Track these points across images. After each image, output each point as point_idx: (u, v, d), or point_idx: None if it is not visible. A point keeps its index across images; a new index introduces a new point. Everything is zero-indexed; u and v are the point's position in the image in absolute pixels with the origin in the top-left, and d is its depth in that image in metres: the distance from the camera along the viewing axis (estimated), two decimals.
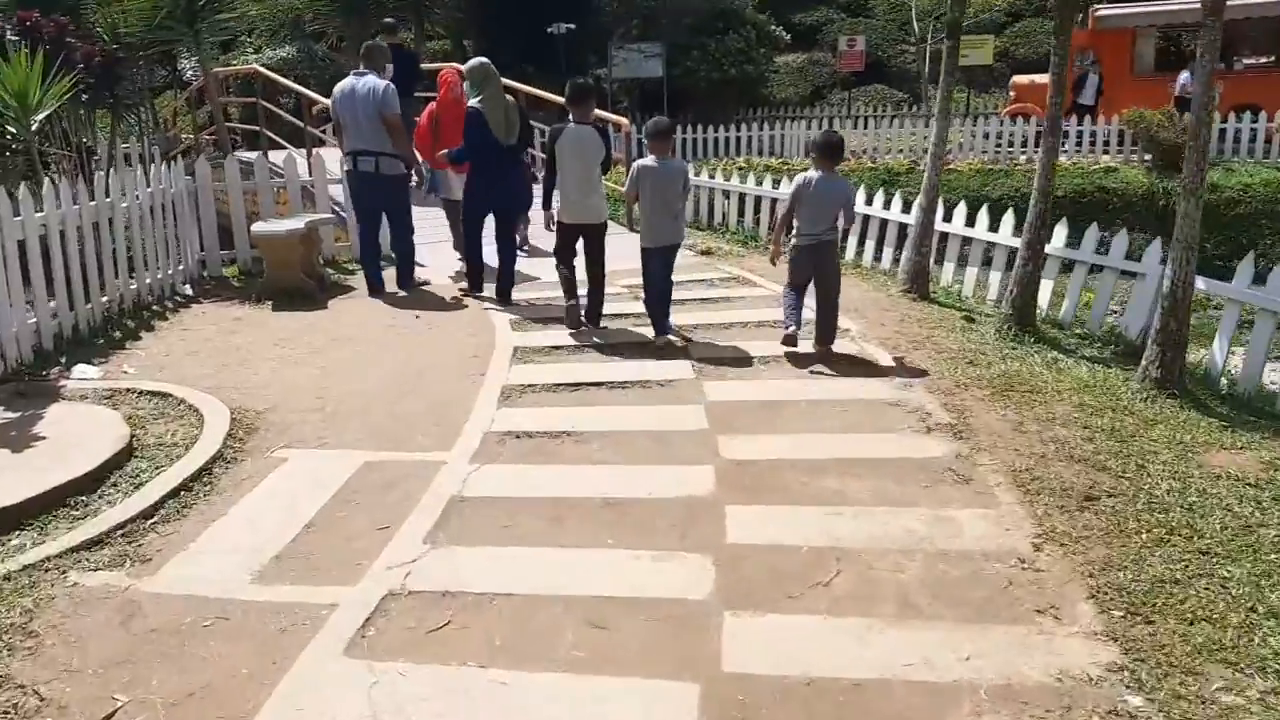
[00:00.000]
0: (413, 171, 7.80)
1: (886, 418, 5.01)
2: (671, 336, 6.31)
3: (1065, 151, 17.98)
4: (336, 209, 9.38)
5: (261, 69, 13.57)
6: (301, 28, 22.55)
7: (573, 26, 19.71)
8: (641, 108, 23.49)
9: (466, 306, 7.45)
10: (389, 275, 8.03)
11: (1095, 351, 6.36)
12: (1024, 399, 5.24)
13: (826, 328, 6.06)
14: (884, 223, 8.88)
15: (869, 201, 9.06)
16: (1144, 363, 5.44)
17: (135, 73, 9.79)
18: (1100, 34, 19.87)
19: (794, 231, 6.22)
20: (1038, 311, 6.73)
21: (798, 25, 27.00)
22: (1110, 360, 6.16)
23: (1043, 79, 21.95)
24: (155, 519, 4.00)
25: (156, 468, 4.44)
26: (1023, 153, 18.05)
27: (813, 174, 6.04)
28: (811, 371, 5.78)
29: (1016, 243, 7.41)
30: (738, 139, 19.35)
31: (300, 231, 7.70)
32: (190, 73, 20.79)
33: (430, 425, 4.98)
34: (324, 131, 13.11)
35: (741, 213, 10.57)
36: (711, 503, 4.04)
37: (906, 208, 8.67)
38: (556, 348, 6.29)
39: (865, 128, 19.53)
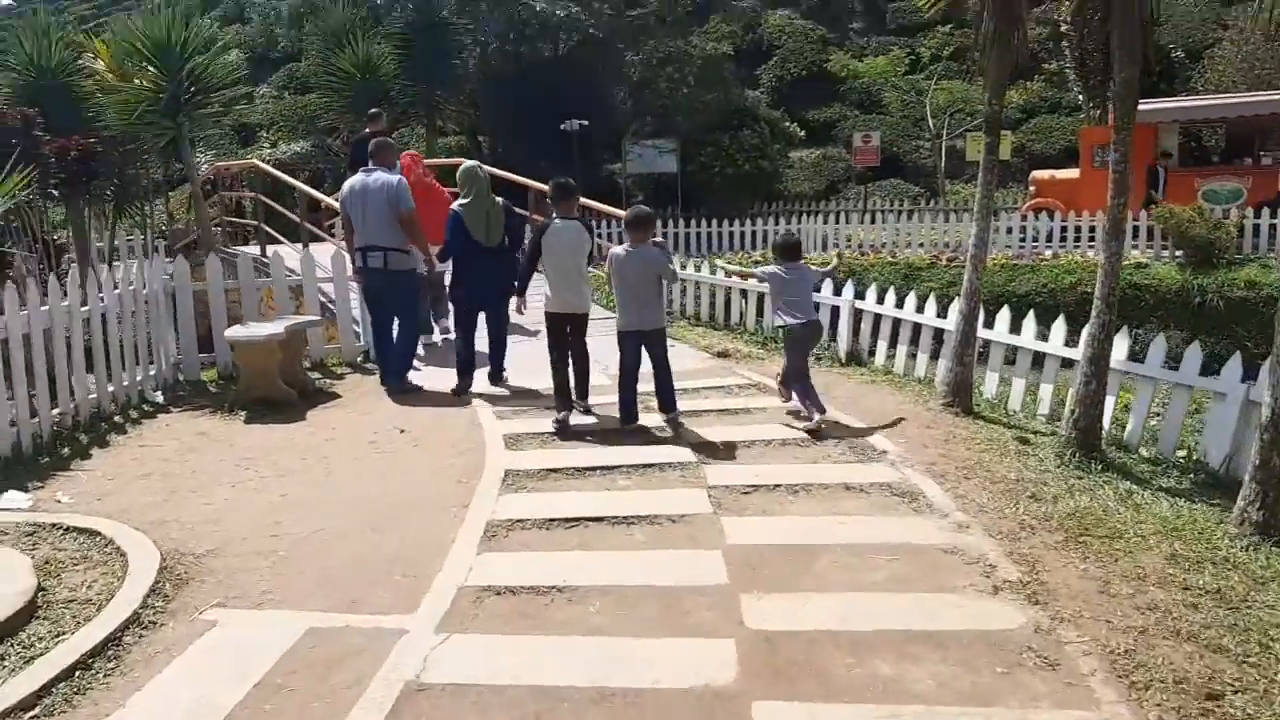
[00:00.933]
0: (422, 263, 7.75)
1: (942, 571, 4.15)
2: (674, 423, 6.34)
3: (1092, 246, 17.34)
4: (329, 305, 8.72)
5: (260, 163, 13.15)
6: (315, 122, 22.44)
7: (586, 123, 19.39)
8: (656, 202, 23.13)
9: (458, 416, 6.68)
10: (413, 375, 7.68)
11: (1173, 482, 5.49)
12: (1104, 547, 4.36)
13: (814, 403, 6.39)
14: (917, 327, 8.10)
15: (899, 304, 8.31)
16: (1241, 503, 4.57)
17: (124, 167, 9.25)
18: None
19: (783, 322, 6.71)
20: (1102, 433, 5.88)
21: (811, 122, 26.83)
22: (1192, 493, 5.28)
23: (1063, 174, 21.60)
24: (37, 711, 3.16)
25: (58, 634, 3.61)
26: (1048, 247, 17.40)
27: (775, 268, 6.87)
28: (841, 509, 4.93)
29: (1068, 352, 6.61)
30: (753, 233, 18.82)
31: (279, 337, 6.99)
32: (204, 166, 20.57)
33: (397, 575, 4.14)
34: (331, 228, 12.60)
35: (760, 312, 9.83)
36: (734, 697, 3.16)
37: (941, 311, 7.90)
38: (554, 471, 5.47)
39: (883, 222, 18.97)
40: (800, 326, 6.61)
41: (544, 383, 7.15)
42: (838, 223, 18.97)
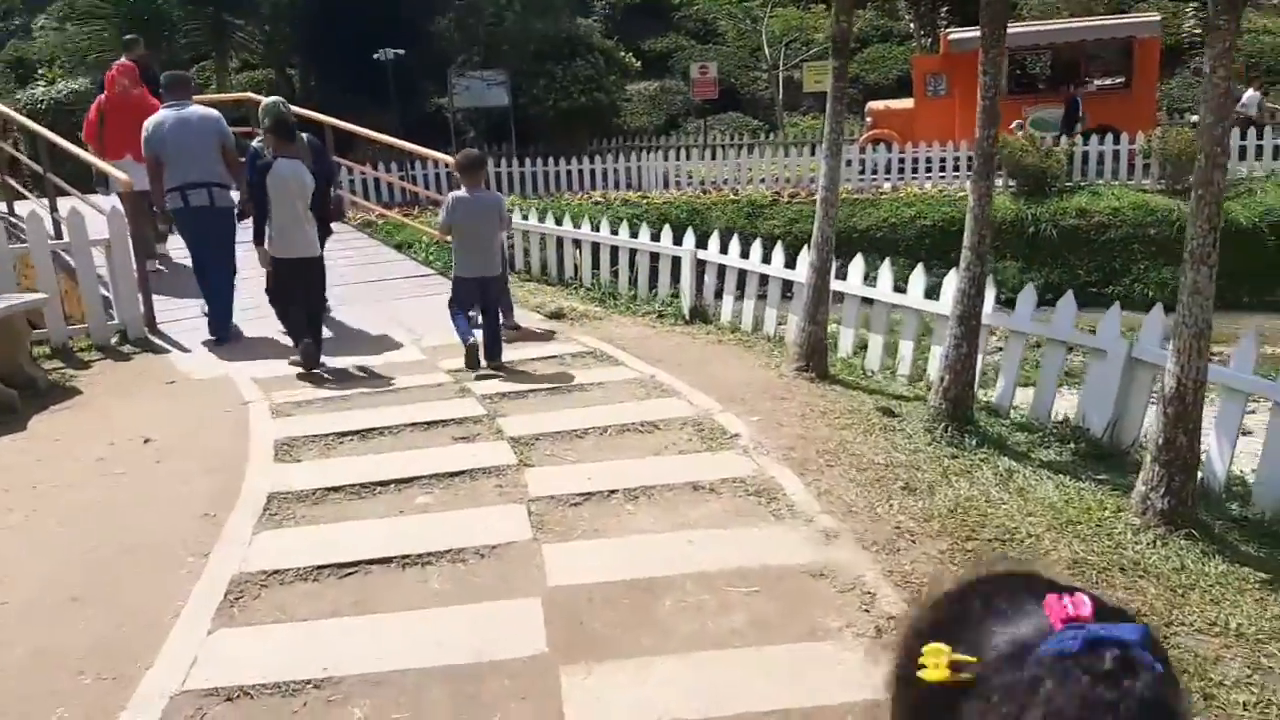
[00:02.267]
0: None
1: (813, 604, 3.30)
2: (499, 368, 6.14)
3: (929, 177, 17.11)
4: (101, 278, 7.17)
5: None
6: (89, 57, 19.71)
7: (401, 53, 17.65)
8: (489, 138, 21.59)
9: (224, 417, 5.40)
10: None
11: (1054, 454, 4.84)
12: (997, 551, 3.63)
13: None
14: (764, 278, 7.27)
15: (745, 254, 7.45)
16: (1142, 488, 3.93)
17: None
18: (953, 57, 19.18)
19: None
20: (973, 401, 5.20)
21: (647, 52, 25.65)
22: (1077, 467, 4.65)
23: (899, 104, 21.31)
24: None
25: None
26: (886, 179, 17.05)
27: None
28: (696, 511, 4.03)
29: (930, 306, 5.90)
30: (592, 171, 17.71)
31: None
32: None
33: (88, 678, 2.96)
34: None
35: (597, 264, 8.82)
36: None
37: (790, 260, 7.08)
38: (334, 490, 4.34)
39: (724, 157, 18.19)
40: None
41: (374, 358, 5.99)
42: (679, 159, 18.06)
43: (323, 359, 6.32)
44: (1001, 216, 14.93)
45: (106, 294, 7.07)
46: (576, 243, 8.85)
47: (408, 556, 3.67)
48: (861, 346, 6.68)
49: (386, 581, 3.53)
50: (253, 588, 3.48)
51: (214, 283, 7.02)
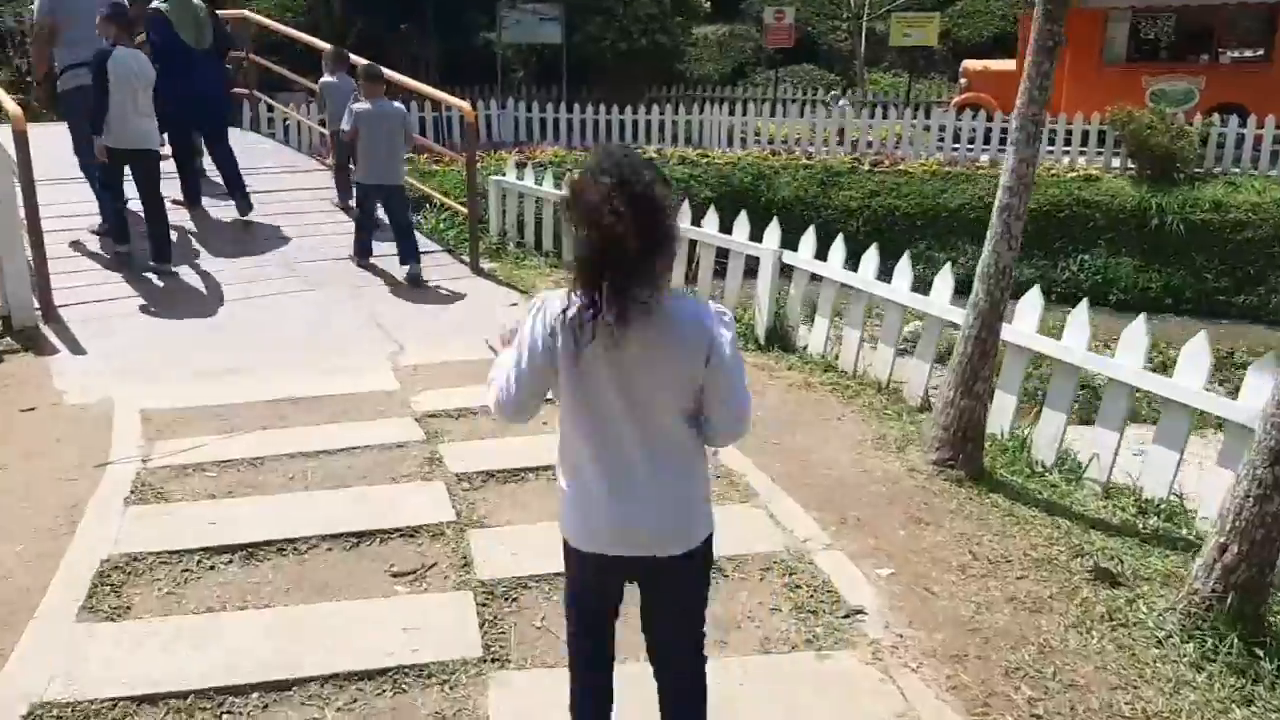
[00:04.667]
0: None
1: None
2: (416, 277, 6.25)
3: (1051, 154, 14.63)
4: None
5: None
6: None
7: None
8: (539, 80, 19.35)
9: (59, 487, 3.45)
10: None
11: None
12: None
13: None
14: (864, 297, 5.09)
15: (852, 263, 5.25)
16: None
17: None
18: (1072, 14, 16.49)
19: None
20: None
21: None
22: None
23: (999, 65, 18.55)
24: None
25: None
26: (984, 151, 14.62)
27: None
28: None
29: (1206, 402, 3.66)
30: (648, 122, 15.43)
31: None
32: None
33: None
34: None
35: None
36: None
37: (921, 284, 4.91)
38: (154, 701, 2.38)
39: (799, 115, 15.81)
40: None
41: (322, 382, 4.04)
42: (745, 114, 15.72)
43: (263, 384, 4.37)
44: (1120, 204, 12.55)
45: None
46: None
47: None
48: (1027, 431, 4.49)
49: None
50: None
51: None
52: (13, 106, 5.11)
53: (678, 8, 18.97)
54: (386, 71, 7.46)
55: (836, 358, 5.22)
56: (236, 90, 10.23)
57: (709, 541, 1.95)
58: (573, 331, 1.71)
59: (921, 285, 4.84)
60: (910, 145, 14.94)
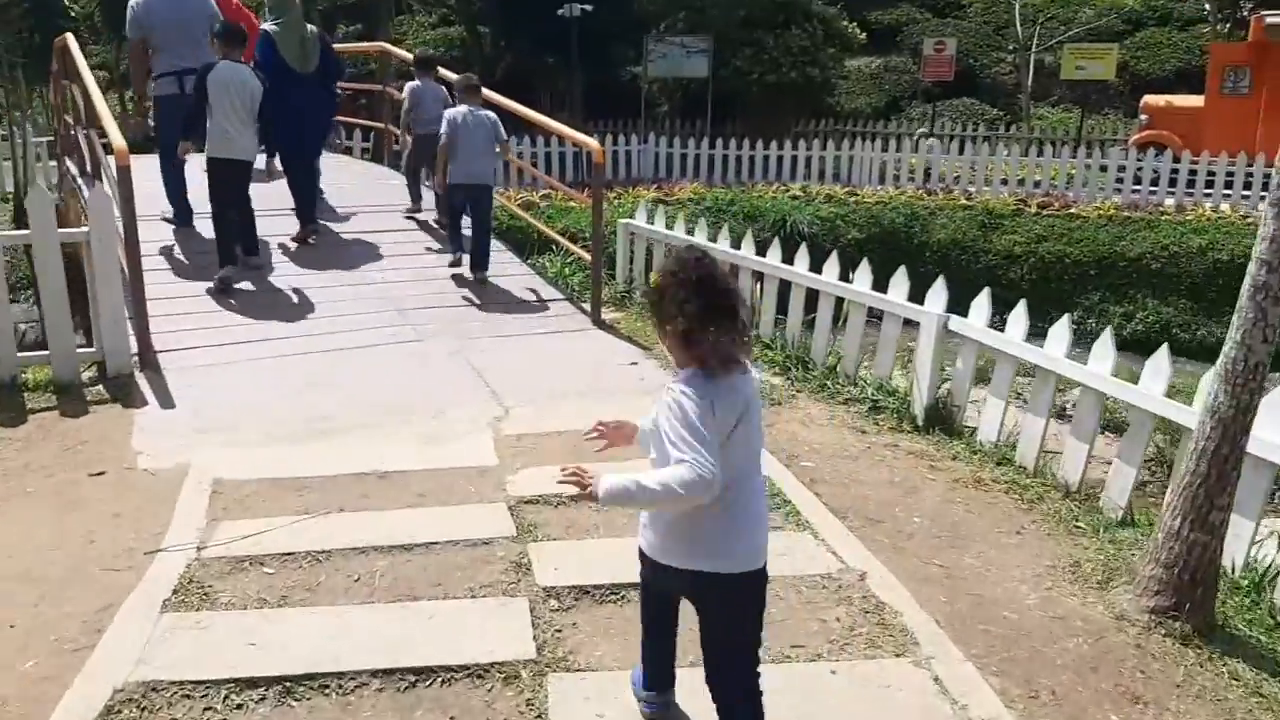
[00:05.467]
0: None
1: None
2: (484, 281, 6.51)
3: (1220, 195, 13.08)
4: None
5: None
6: None
7: (588, 8, 15.19)
8: (683, 114, 18.92)
9: (98, 580, 3.03)
10: None
11: None
12: None
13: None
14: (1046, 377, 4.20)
15: (1039, 331, 4.37)
16: None
17: None
18: (1266, 47, 14.80)
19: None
20: None
21: (874, 23, 22.01)
22: None
23: (1184, 101, 16.87)
24: None
25: None
26: (1169, 194, 13.17)
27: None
28: None
29: None
30: (794, 158, 14.73)
31: None
32: None
33: None
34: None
35: (782, 309, 5.92)
36: None
37: (1141, 378, 3.98)
38: (239, 687, 1.83)
39: (960, 152, 14.71)
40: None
41: (403, 454, 3.55)
42: (899, 149, 14.75)
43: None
44: None
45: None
46: (758, 276, 5.99)
47: None
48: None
49: None
50: None
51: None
52: (118, 138, 4.89)
53: (830, 39, 18.17)
54: (515, 106, 7.09)
55: (1013, 448, 4.33)
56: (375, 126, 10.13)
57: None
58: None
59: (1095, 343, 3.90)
60: (1084, 187, 13.64)
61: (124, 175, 4.71)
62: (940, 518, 3.72)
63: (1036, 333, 4.28)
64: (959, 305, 4.66)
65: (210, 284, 5.98)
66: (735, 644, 2.16)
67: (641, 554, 2.22)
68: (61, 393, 4.64)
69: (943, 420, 4.61)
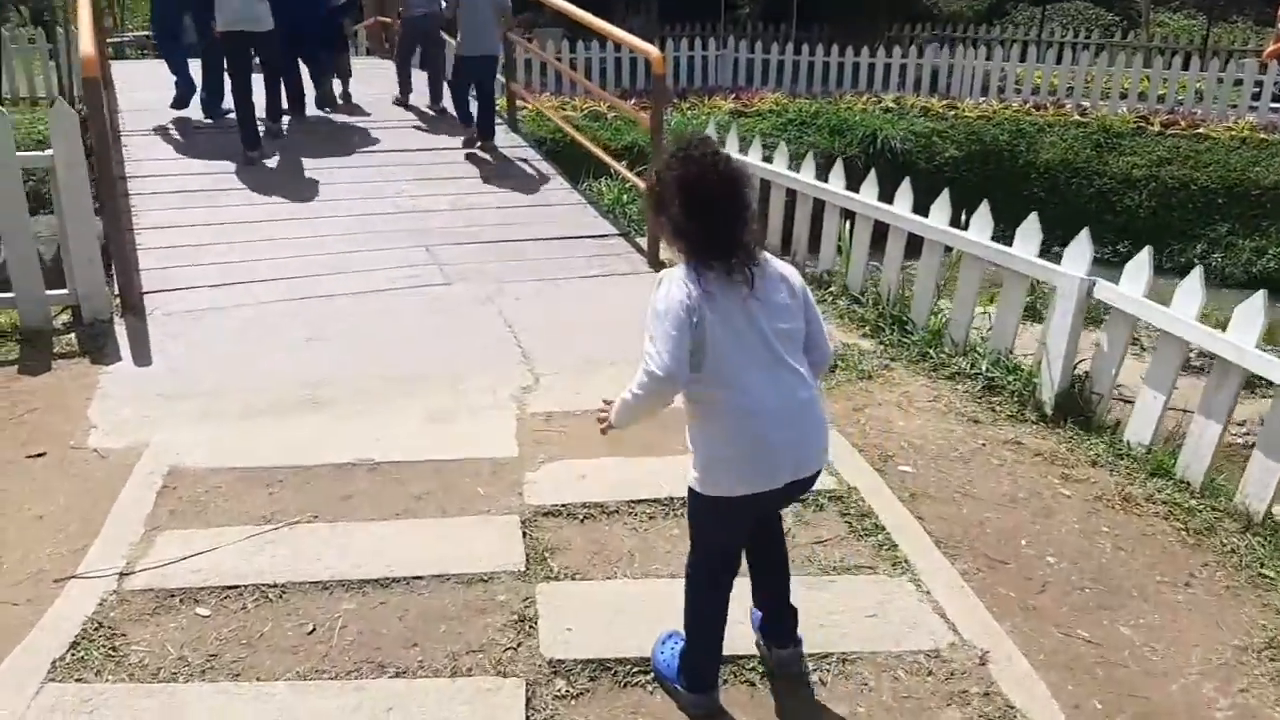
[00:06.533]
0: None
1: None
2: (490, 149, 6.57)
3: None
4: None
5: None
6: None
7: None
8: (766, 17, 17.40)
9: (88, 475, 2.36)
10: None
11: None
12: None
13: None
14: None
15: (1217, 318, 3.34)
16: None
17: None
18: None
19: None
20: None
21: None
22: None
23: None
24: None
25: None
26: None
27: None
28: None
29: None
30: (886, 66, 13.28)
31: None
32: None
33: None
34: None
35: (878, 250, 4.90)
36: None
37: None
38: None
39: (1072, 61, 13.09)
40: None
41: (416, 445, 2.79)
42: (1005, 58, 13.19)
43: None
44: None
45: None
46: (847, 214, 4.96)
47: None
48: None
49: None
50: None
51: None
52: (85, 44, 4.05)
53: None
54: (564, 4, 6.10)
55: (1173, 455, 3.35)
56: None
57: None
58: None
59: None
60: (1214, 103, 11.99)
61: (91, 88, 3.90)
62: (1083, 558, 2.81)
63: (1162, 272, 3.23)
64: (1066, 238, 3.67)
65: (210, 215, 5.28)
66: None
67: (731, 502, 1.96)
68: (28, 342, 3.96)
69: (1078, 410, 3.64)
